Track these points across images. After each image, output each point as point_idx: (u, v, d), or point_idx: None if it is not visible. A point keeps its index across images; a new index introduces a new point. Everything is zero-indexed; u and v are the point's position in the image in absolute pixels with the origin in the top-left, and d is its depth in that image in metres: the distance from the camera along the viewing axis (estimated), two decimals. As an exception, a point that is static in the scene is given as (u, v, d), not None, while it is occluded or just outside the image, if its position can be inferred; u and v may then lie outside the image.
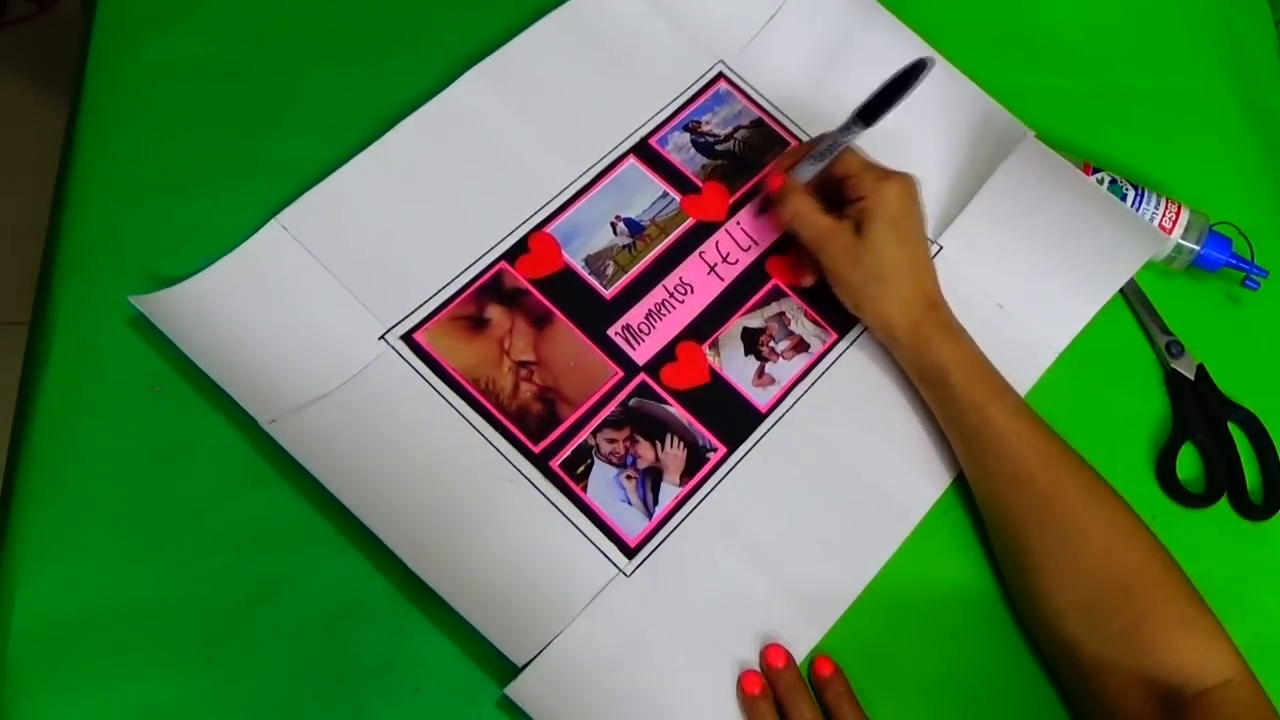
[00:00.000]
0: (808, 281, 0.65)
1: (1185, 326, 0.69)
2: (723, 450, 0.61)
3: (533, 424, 0.60)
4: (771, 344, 0.64)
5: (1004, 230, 0.67)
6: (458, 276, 0.63)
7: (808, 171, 0.63)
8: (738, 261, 0.67)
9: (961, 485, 0.62)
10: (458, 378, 0.60)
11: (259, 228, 0.61)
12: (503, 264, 0.64)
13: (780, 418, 0.63)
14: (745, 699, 0.55)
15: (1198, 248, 0.69)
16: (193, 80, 0.67)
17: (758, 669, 0.56)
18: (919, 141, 0.70)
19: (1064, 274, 0.67)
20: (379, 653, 0.55)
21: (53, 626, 0.53)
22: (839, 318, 0.65)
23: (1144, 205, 0.69)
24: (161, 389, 0.58)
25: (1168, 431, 0.67)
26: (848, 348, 0.65)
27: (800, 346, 0.65)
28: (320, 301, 0.61)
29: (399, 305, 0.61)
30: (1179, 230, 0.69)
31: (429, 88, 0.67)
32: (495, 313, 0.62)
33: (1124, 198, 0.69)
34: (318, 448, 0.56)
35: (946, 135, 0.71)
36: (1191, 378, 0.68)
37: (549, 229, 0.65)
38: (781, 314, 0.66)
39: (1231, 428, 0.67)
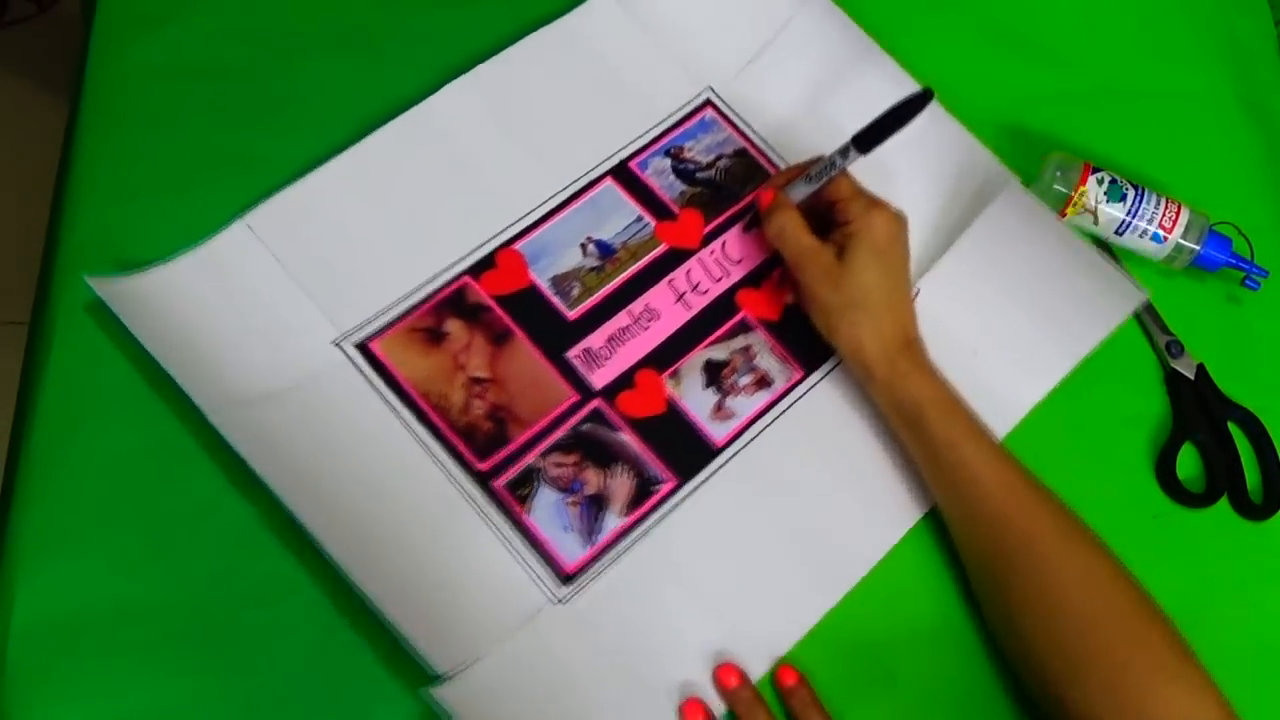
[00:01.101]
0: (786, 299, 0.64)
1: (1185, 326, 0.69)
2: (672, 483, 0.60)
3: (480, 442, 0.59)
4: (734, 378, 0.63)
5: (983, 279, 0.66)
6: (420, 288, 0.62)
7: (800, 192, 0.62)
8: (708, 291, 0.65)
9: (924, 532, 0.61)
10: (409, 390, 0.59)
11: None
12: (467, 278, 0.63)
13: (735, 454, 0.61)
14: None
15: (1198, 248, 0.69)
16: (193, 80, 0.67)
17: (699, 700, 0.55)
18: (902, 181, 0.68)
19: (1042, 328, 0.65)
20: (378, 653, 0.55)
21: (53, 626, 0.53)
22: (806, 355, 0.64)
23: (1144, 205, 0.69)
24: (163, 388, 0.58)
25: (1168, 431, 0.67)
26: (812, 387, 0.63)
27: (763, 382, 0.63)
28: (278, 303, 0.60)
29: (357, 312, 0.61)
30: (1179, 230, 0.69)
31: (428, 88, 0.67)
32: (454, 327, 0.62)
33: (1124, 198, 0.69)
34: (260, 442, 0.56)
35: (930, 177, 0.69)
36: (1191, 378, 0.68)
37: (517, 246, 0.64)
38: (747, 348, 0.64)
39: (1231, 428, 0.67)
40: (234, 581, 0.55)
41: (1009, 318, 0.65)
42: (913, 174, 0.69)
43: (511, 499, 0.58)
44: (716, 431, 0.62)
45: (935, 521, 0.61)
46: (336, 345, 0.60)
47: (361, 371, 0.60)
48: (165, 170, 0.64)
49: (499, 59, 0.68)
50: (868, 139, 0.58)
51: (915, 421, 0.59)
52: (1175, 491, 0.65)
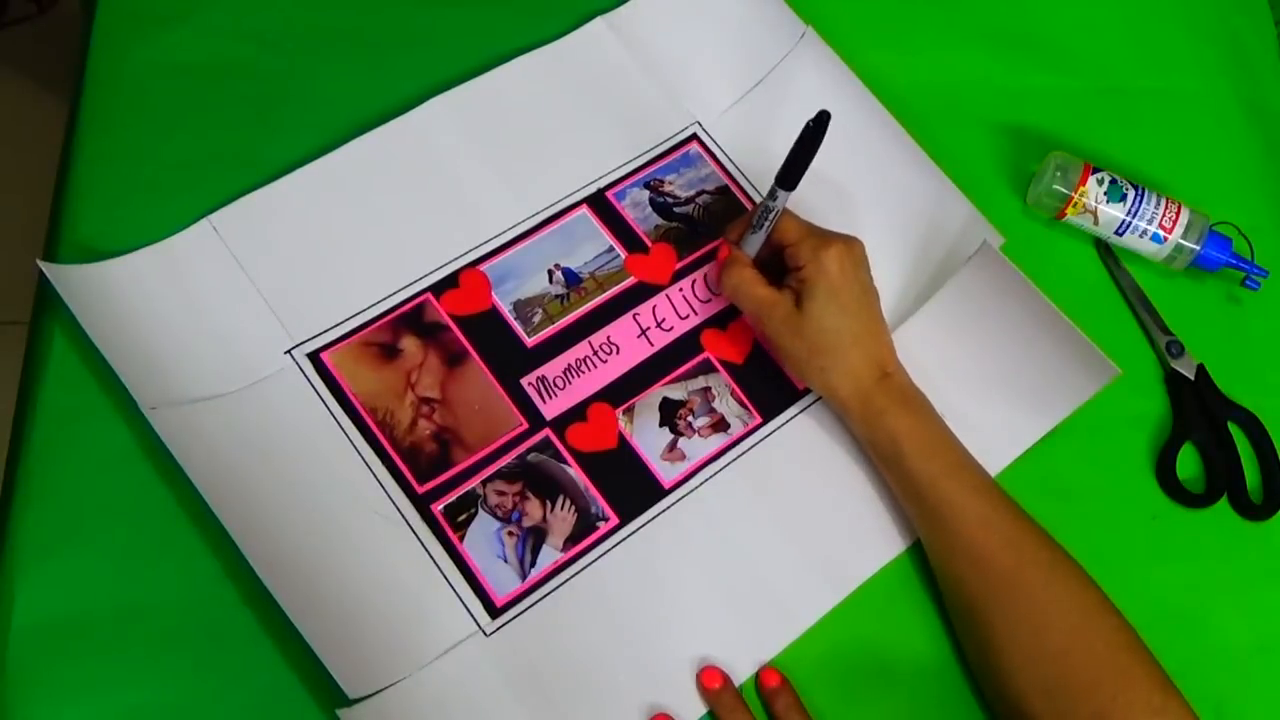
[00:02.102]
0: (753, 342, 0.64)
1: (1185, 326, 0.69)
2: (614, 521, 0.59)
3: (423, 463, 0.58)
4: (690, 419, 0.62)
5: (954, 342, 0.63)
6: (380, 301, 0.61)
7: (752, 242, 0.61)
8: (672, 329, 0.64)
9: (872, 591, 0.60)
10: (356, 404, 0.59)
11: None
12: (428, 296, 0.62)
13: (682, 497, 0.60)
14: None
15: (1198, 248, 0.69)
16: (193, 80, 0.67)
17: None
18: (879, 228, 0.66)
19: (1011, 396, 0.63)
20: (379, 653, 0.55)
21: (53, 626, 0.53)
22: (767, 402, 0.63)
23: (1144, 205, 0.69)
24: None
25: (1168, 431, 0.67)
26: (769, 434, 0.62)
27: (720, 426, 0.62)
28: (233, 306, 0.60)
29: (313, 322, 0.60)
30: (1179, 230, 0.69)
31: (429, 88, 0.67)
32: (409, 344, 0.61)
33: (1124, 198, 0.69)
34: (195, 443, 0.56)
35: (909, 229, 0.68)
36: (1191, 378, 0.68)
37: (483, 267, 0.63)
38: (707, 389, 0.63)
39: (1231, 428, 0.67)
40: (234, 581, 0.55)
41: (978, 384, 0.63)
42: (889, 220, 0.68)
43: (448, 524, 0.57)
44: (666, 472, 0.60)
45: (879, 588, 0.60)
46: (288, 353, 0.59)
47: (310, 382, 0.59)
48: (165, 170, 0.64)
49: (485, 78, 0.68)
50: (788, 175, 0.58)
51: (893, 459, 0.58)
52: (1175, 491, 0.65)
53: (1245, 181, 0.76)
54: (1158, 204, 0.69)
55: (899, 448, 0.57)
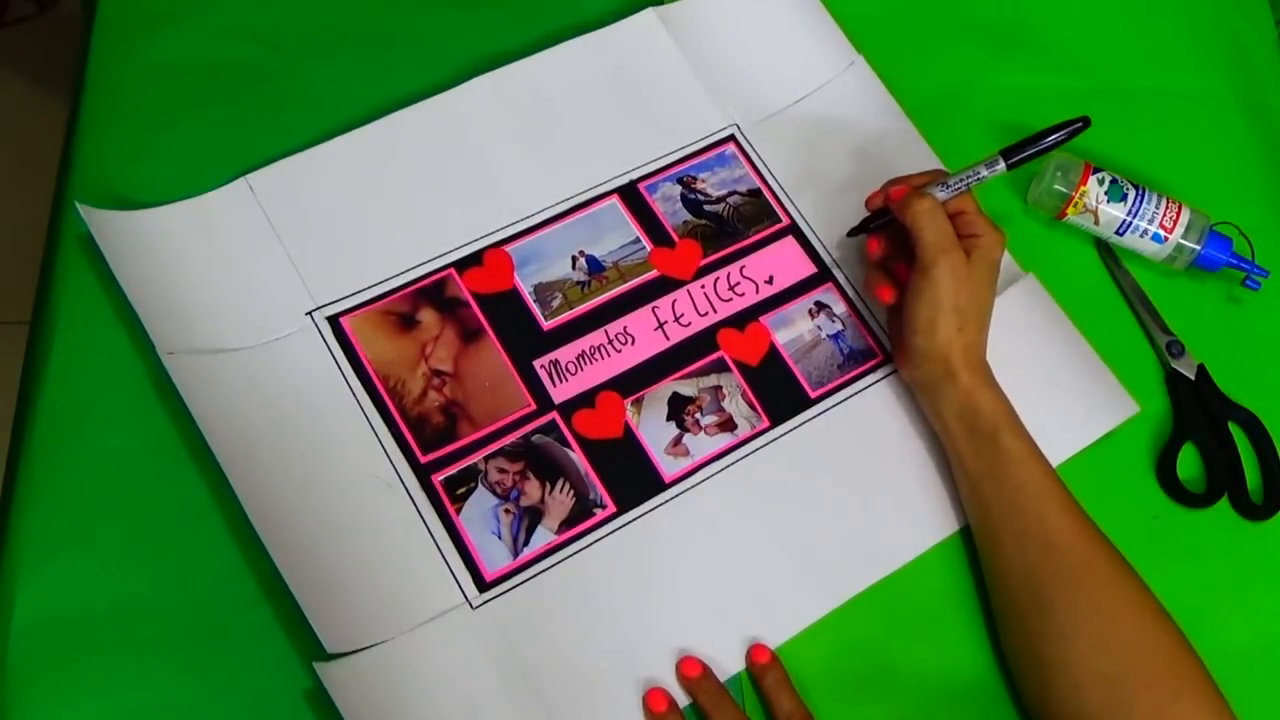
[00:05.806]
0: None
1: (1185, 326, 0.69)
2: (611, 509, 0.59)
3: (428, 434, 0.59)
4: (697, 415, 0.62)
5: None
6: (404, 273, 0.62)
7: (938, 194, 0.61)
8: (690, 324, 0.64)
9: (872, 594, 0.59)
10: (370, 370, 0.60)
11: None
12: (451, 271, 0.63)
13: (681, 492, 0.60)
14: (653, 716, 0.55)
15: (1198, 248, 0.69)
16: (194, 80, 0.67)
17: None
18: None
19: (1030, 425, 0.61)
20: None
21: (53, 626, 0.53)
22: (777, 406, 0.63)
23: (1144, 205, 0.69)
24: (164, 388, 0.58)
25: (1168, 431, 0.67)
26: (776, 439, 0.62)
27: (727, 426, 0.62)
28: (262, 264, 0.61)
29: (337, 287, 0.61)
30: (1179, 230, 0.69)
31: (430, 88, 0.67)
32: (428, 316, 0.62)
33: (1124, 198, 0.69)
34: (208, 393, 0.57)
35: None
36: (1192, 378, 0.68)
37: (509, 247, 0.64)
38: (718, 388, 0.63)
39: (1232, 428, 0.67)
40: (234, 581, 0.55)
41: None
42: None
43: (446, 496, 0.58)
44: (668, 467, 0.60)
45: (880, 589, 0.60)
46: (309, 315, 0.60)
47: (327, 344, 0.60)
48: (165, 170, 0.64)
49: (529, 60, 0.69)
50: (1015, 154, 0.60)
51: (990, 432, 0.58)
52: (1175, 491, 0.65)
53: (1245, 181, 0.76)
54: (1158, 204, 0.69)
55: (998, 423, 0.58)
